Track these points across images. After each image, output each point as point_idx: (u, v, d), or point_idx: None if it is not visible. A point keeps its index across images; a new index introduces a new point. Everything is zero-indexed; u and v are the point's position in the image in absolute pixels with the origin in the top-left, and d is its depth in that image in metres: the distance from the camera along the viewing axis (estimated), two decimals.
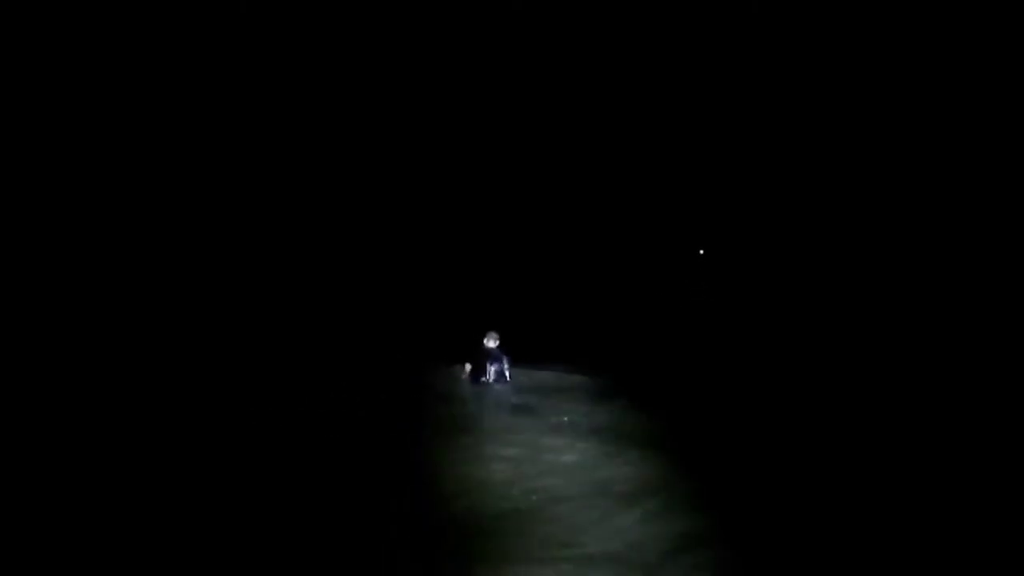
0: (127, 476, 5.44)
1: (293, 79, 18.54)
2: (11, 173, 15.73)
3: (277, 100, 18.12)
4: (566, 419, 7.15)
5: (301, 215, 18.49)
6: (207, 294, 14.40)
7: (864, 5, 12.11)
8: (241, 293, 14.87)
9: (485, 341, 8.57)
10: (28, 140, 16.18)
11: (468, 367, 8.50)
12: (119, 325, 11.23)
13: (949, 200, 11.03)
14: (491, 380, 8.34)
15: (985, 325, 9.66)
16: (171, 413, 7.10)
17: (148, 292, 14.16)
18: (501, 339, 8.63)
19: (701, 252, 14.30)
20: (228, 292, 14.91)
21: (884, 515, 4.89)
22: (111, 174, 17.49)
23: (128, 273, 15.42)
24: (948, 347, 9.32)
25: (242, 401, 7.64)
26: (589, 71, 15.88)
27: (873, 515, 4.89)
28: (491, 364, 8.39)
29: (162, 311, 12.83)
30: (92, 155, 17.30)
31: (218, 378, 8.53)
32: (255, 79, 18.16)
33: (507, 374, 8.39)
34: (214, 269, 16.88)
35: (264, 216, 18.80)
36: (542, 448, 6.17)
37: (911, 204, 11.44)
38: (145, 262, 16.42)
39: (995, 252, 10.36)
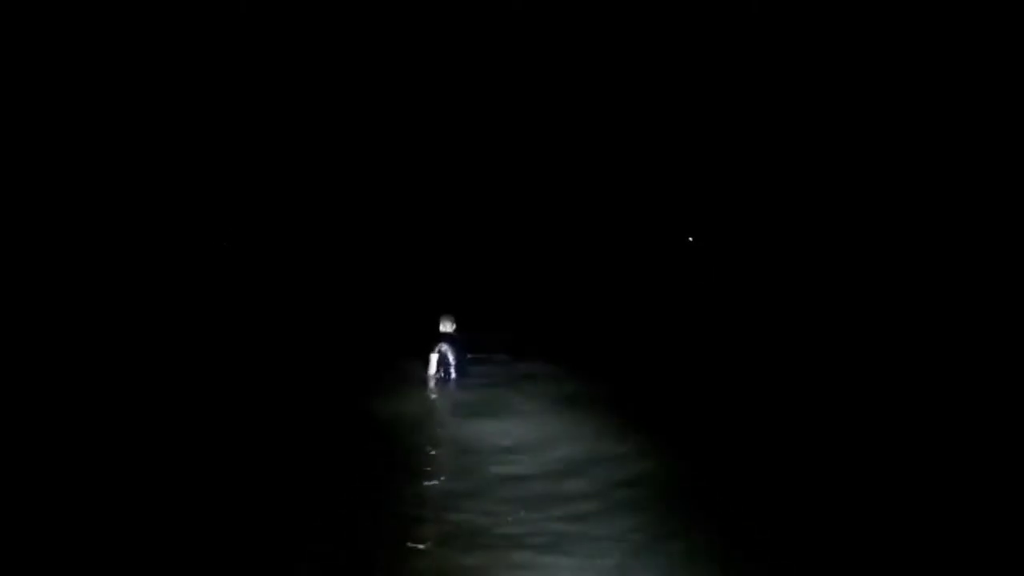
0: (125, 477, 5.32)
1: (292, 79, 18.62)
2: (11, 173, 15.97)
3: (272, 102, 18.16)
4: (527, 408, 6.91)
5: (282, 214, 18.51)
6: (182, 297, 14.41)
7: (864, 5, 11.77)
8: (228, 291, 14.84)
9: (441, 326, 8.03)
10: (28, 140, 16.43)
11: (432, 367, 7.70)
12: (115, 330, 11.18)
13: (949, 200, 10.60)
14: (447, 373, 7.71)
15: (985, 325, 9.37)
16: (152, 415, 6.93)
17: (147, 292, 14.23)
18: (458, 323, 8.11)
19: (690, 239, 13.98)
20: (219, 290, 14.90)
21: (884, 514, 4.67)
22: (110, 174, 17.67)
23: (127, 273, 15.54)
24: (948, 347, 9.06)
25: (217, 404, 7.40)
26: (589, 71, 15.62)
27: (873, 514, 4.66)
28: (448, 353, 7.76)
29: (154, 311, 12.85)
30: (92, 155, 17.50)
31: (188, 386, 8.25)
32: (254, 79, 18.25)
33: (452, 369, 7.67)
34: (189, 273, 16.94)
35: (251, 218, 18.85)
36: (504, 440, 5.95)
37: (911, 203, 11.02)
38: (144, 262, 16.55)
39: (995, 252, 9.95)
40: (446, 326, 8.02)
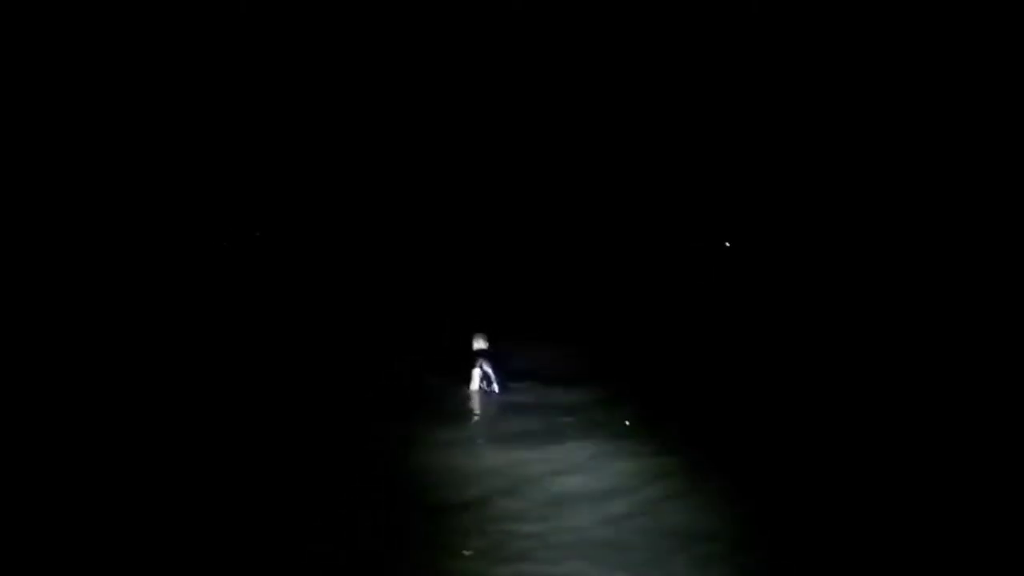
0: (126, 477, 5.37)
1: (294, 78, 18.50)
2: (11, 173, 15.73)
3: (272, 101, 18.06)
4: (566, 420, 6.97)
5: (295, 215, 18.47)
6: (204, 295, 14.35)
7: (865, 5, 11.99)
8: (238, 295, 14.79)
9: (473, 343, 8.30)
10: (28, 140, 16.18)
11: (477, 376, 8.00)
12: (115, 329, 11.16)
13: (949, 200, 10.88)
14: (490, 387, 7.99)
15: (985, 325, 9.56)
16: (161, 413, 7.02)
17: (145, 292, 14.13)
18: (490, 340, 8.37)
19: (727, 244, 13.99)
20: (226, 294, 14.85)
21: (884, 515, 4.79)
22: (110, 175, 17.48)
23: (126, 275, 15.41)
24: (948, 347, 9.17)
25: (237, 404, 7.54)
26: (589, 71, 15.76)
27: (873, 515, 4.79)
28: (484, 368, 8.05)
29: (157, 310, 12.79)
30: (92, 155, 17.28)
31: (216, 380, 8.45)
32: (255, 78, 18.12)
33: (495, 382, 7.96)
34: (212, 270, 16.88)
35: (263, 217, 18.80)
36: (540, 454, 6.01)
37: (912, 203, 11.29)
38: (142, 263, 16.41)
39: (995, 252, 10.21)
40: (479, 343, 8.29)
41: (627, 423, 6.89)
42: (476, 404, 7.77)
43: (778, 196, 13.35)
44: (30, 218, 15.52)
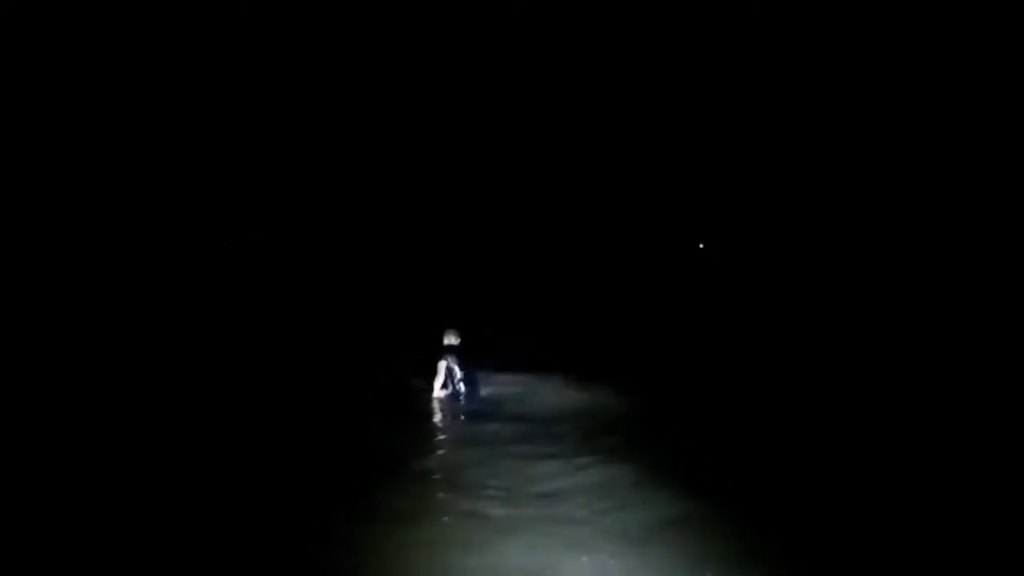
0: (127, 478, 5.36)
1: (294, 79, 18.56)
2: (11, 174, 15.93)
3: (275, 102, 18.10)
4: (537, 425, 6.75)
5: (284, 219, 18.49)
6: (204, 294, 14.43)
7: (865, 6, 11.71)
8: (237, 295, 14.86)
9: (445, 339, 7.95)
10: (28, 140, 16.38)
11: (439, 382, 7.58)
12: (116, 329, 11.22)
13: (949, 201, 10.59)
14: (455, 388, 7.60)
15: (985, 325, 9.39)
16: (158, 412, 7.04)
17: (145, 292, 14.25)
18: (465, 336, 8.05)
19: (701, 246, 13.91)
20: (226, 294, 14.93)
21: (884, 515, 4.72)
22: (110, 174, 17.63)
23: (126, 275, 15.53)
24: (948, 347, 9.09)
25: (233, 402, 7.53)
26: (589, 71, 15.56)
27: (874, 516, 4.71)
28: (454, 368, 7.69)
29: (157, 310, 12.88)
30: (92, 156, 17.46)
31: (211, 378, 8.45)
32: (255, 79, 18.18)
33: (461, 384, 7.56)
34: (212, 270, 16.95)
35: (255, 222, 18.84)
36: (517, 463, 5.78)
37: (912, 204, 11.02)
38: (143, 262, 16.53)
39: (995, 252, 9.95)
40: (450, 339, 7.91)
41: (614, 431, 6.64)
42: (440, 407, 7.44)
43: (770, 199, 13.16)
44: (31, 219, 15.69)
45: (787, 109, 13.09)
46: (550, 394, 8.01)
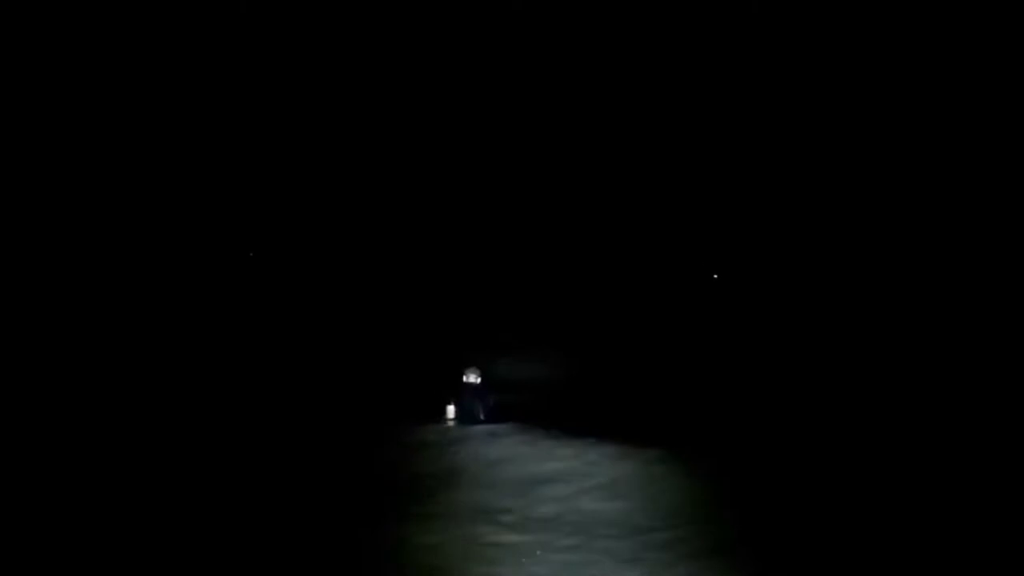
0: (129, 479, 5.77)
1: (315, 89, 18.58)
2: (11, 174, 16.05)
3: (296, 111, 18.14)
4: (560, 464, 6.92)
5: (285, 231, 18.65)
6: (226, 302, 14.79)
7: (866, 6, 11.64)
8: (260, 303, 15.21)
9: (465, 377, 8.52)
10: (28, 140, 16.46)
11: (452, 409, 8.24)
12: (133, 335, 11.63)
13: (949, 203, 10.67)
14: (480, 417, 8.16)
15: (985, 325, 9.50)
16: (167, 415, 7.56)
17: (170, 302, 14.60)
18: (483, 374, 8.60)
19: (715, 276, 13.98)
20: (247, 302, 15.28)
21: (886, 518, 4.99)
22: (132, 183, 17.83)
23: (150, 284, 15.86)
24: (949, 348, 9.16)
25: (237, 407, 8.08)
26: (589, 72, 15.60)
27: (875, 518, 5.00)
28: (475, 401, 8.29)
29: (176, 316, 13.26)
30: (92, 156, 17.55)
31: (217, 383, 8.95)
32: (278, 89, 18.23)
33: (483, 413, 8.18)
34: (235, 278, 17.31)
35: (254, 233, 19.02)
36: (535, 485, 6.16)
37: (915, 209, 11.09)
38: (167, 272, 16.87)
39: (995, 252, 10.05)
40: (470, 378, 8.51)
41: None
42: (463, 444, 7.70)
43: (770, 220, 13.19)
44: (50, 226, 15.86)
45: (785, 118, 13.13)
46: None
